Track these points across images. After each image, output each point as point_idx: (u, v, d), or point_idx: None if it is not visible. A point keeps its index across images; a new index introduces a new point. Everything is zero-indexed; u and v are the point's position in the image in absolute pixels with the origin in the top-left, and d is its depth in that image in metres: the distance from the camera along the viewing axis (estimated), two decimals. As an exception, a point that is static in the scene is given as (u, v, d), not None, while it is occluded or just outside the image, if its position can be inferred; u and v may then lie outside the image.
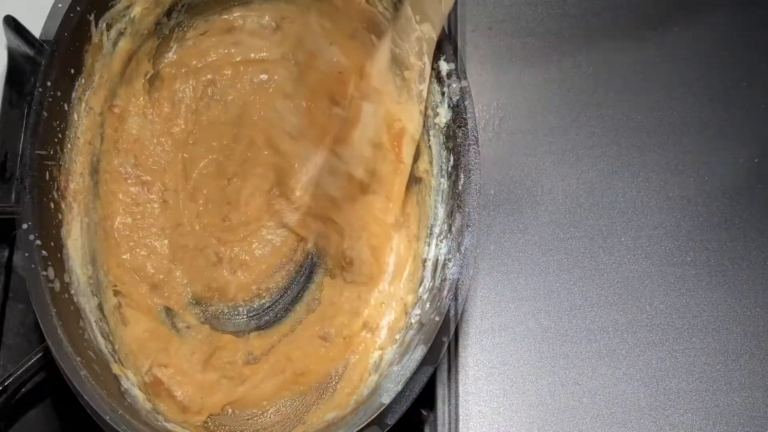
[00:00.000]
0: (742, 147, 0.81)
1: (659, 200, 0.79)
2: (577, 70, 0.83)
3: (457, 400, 0.73)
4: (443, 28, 0.70)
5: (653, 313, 0.76)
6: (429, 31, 0.68)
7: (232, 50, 0.82)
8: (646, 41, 0.84)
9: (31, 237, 0.63)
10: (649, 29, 0.84)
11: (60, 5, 0.68)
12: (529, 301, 0.76)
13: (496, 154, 0.80)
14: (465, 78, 0.70)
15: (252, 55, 0.82)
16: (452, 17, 0.83)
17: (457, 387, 0.73)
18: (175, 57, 0.81)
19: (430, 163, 0.73)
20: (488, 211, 0.79)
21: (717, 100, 0.82)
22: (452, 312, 0.64)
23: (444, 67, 0.70)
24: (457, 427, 0.72)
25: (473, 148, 0.68)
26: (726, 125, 0.82)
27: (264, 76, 0.82)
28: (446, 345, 0.63)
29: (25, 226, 0.63)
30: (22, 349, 0.78)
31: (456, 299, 0.64)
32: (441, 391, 0.73)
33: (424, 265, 0.70)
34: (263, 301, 0.78)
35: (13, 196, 0.82)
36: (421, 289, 0.69)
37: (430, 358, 0.62)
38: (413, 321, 0.66)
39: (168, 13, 0.78)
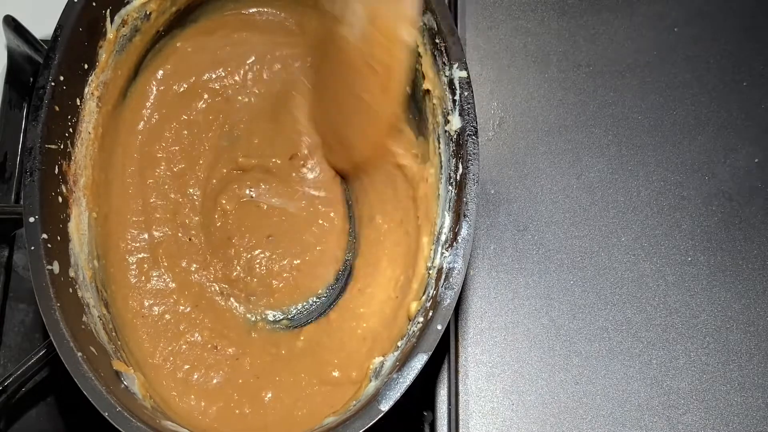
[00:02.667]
0: (741, 147, 0.81)
1: (658, 200, 0.79)
2: (576, 70, 0.83)
3: (456, 399, 0.73)
4: (454, 29, 0.70)
5: (652, 312, 0.76)
6: None
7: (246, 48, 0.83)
8: (645, 41, 0.84)
9: (38, 230, 0.63)
10: (648, 29, 0.84)
11: (75, 0, 0.68)
12: (528, 300, 0.76)
13: (496, 153, 0.81)
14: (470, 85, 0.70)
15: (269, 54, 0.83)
16: (454, 18, 0.83)
17: (457, 387, 0.74)
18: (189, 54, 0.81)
19: (440, 169, 0.73)
20: (488, 210, 0.79)
21: (716, 101, 0.82)
22: (448, 300, 0.64)
23: (456, 74, 0.70)
24: (457, 427, 0.73)
25: (471, 139, 0.68)
26: (725, 125, 0.82)
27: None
28: (441, 333, 0.63)
29: (32, 219, 0.63)
30: (22, 349, 0.78)
31: (452, 287, 0.64)
32: (441, 392, 0.74)
33: (428, 273, 0.70)
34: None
35: (13, 196, 0.82)
36: (424, 297, 0.68)
37: (423, 346, 0.63)
38: (415, 329, 0.66)
39: (184, 12, 0.79)
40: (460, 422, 0.73)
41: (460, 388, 0.74)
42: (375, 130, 0.74)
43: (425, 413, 0.73)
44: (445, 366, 0.74)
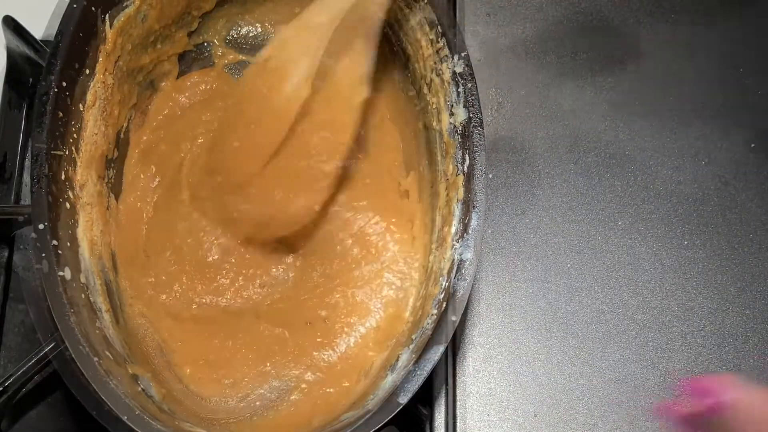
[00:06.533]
0: (737, 132, 0.81)
1: (655, 184, 0.80)
2: (574, 56, 0.84)
3: (454, 381, 0.74)
4: (454, 21, 0.71)
5: (648, 295, 0.77)
6: None
7: None
8: (643, 28, 0.84)
9: (47, 237, 0.63)
10: (646, 16, 0.85)
11: (75, 5, 0.67)
12: (526, 283, 0.77)
13: (494, 139, 0.81)
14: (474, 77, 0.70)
15: None
16: (453, 4, 0.83)
17: (454, 368, 0.74)
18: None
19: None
20: (486, 195, 0.79)
21: (713, 87, 0.82)
22: (461, 291, 0.64)
23: (460, 65, 0.69)
24: (454, 408, 0.73)
25: (477, 130, 0.68)
26: (722, 111, 0.82)
27: None
28: (456, 324, 0.63)
29: (41, 226, 0.63)
30: (22, 349, 0.77)
31: (465, 278, 0.64)
32: (438, 372, 0.74)
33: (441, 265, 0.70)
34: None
35: (12, 197, 0.82)
36: (438, 289, 0.69)
37: (438, 338, 0.63)
38: (430, 321, 0.66)
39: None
40: (458, 403, 0.73)
41: (458, 369, 0.74)
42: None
43: (425, 411, 0.72)
44: (443, 362, 0.74)
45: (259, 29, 0.85)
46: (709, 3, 0.85)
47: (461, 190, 0.68)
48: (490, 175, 0.80)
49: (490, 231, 0.79)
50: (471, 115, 0.68)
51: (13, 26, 0.80)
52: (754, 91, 0.82)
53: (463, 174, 0.68)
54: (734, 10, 0.85)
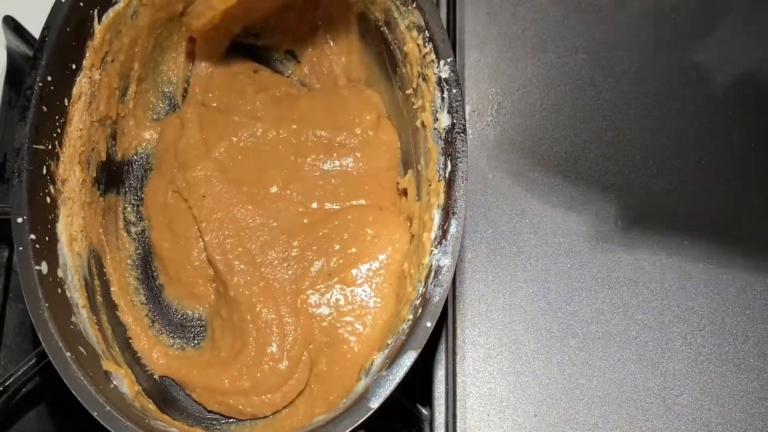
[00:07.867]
0: (738, 132, 0.81)
1: (656, 185, 0.80)
2: (574, 56, 0.83)
3: (454, 380, 0.74)
4: (442, 26, 0.71)
5: (649, 295, 0.77)
6: None
7: None
8: (642, 28, 0.84)
9: (26, 231, 0.63)
10: (646, 16, 0.85)
11: (63, 0, 0.67)
12: (526, 283, 0.77)
13: (494, 138, 0.81)
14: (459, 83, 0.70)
15: None
16: (452, 4, 0.83)
17: (454, 368, 0.74)
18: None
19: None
20: (485, 196, 0.79)
21: (712, 87, 0.82)
22: (437, 297, 0.64)
23: (445, 71, 0.69)
24: (454, 407, 0.73)
25: (460, 137, 0.68)
26: (721, 109, 0.82)
27: None
28: (430, 330, 0.63)
29: (20, 220, 0.63)
30: (22, 350, 0.78)
31: (442, 285, 0.64)
32: (439, 373, 0.74)
33: (419, 270, 0.70)
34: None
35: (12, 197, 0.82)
36: (415, 295, 0.69)
37: (414, 343, 0.63)
38: (405, 326, 0.66)
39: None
40: (458, 403, 0.73)
41: (458, 369, 0.74)
42: None
43: (425, 411, 0.73)
44: (443, 348, 0.74)
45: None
46: (709, 6, 0.85)
47: (442, 196, 0.68)
48: (490, 176, 0.80)
49: (490, 231, 0.78)
50: (455, 121, 0.68)
51: (14, 26, 0.80)
52: (753, 91, 0.82)
53: (445, 180, 0.68)
54: (734, 14, 0.85)
